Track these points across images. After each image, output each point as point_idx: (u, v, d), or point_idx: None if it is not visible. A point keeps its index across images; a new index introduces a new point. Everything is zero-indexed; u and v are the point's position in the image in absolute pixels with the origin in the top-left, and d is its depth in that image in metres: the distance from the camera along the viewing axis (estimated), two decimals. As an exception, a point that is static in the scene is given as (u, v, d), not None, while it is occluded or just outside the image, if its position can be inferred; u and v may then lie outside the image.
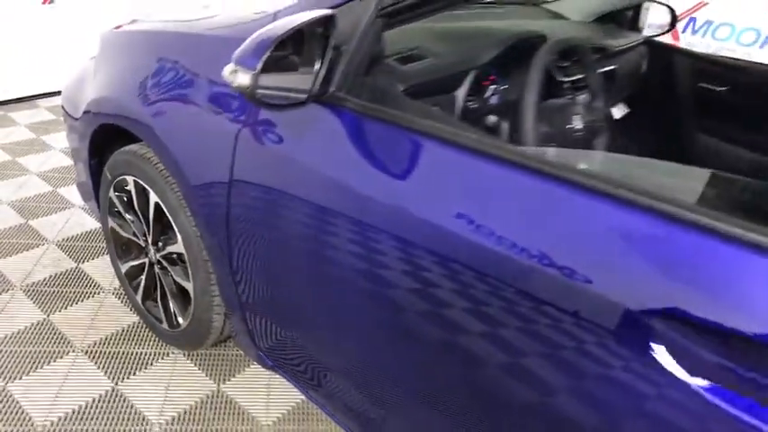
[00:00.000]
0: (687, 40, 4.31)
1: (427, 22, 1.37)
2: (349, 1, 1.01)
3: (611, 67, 1.70)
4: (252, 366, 1.65)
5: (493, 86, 1.35)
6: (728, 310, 0.63)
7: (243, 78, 0.86)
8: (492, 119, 1.27)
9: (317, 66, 0.95)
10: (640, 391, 0.68)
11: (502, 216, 0.81)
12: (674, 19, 2.15)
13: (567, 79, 1.38)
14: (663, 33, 2.17)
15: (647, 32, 2.16)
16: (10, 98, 3.25)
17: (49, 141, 2.88)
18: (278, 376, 1.57)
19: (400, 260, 0.90)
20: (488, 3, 1.98)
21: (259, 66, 0.85)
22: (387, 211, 0.93)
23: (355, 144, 1.00)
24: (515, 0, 2.11)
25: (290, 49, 0.97)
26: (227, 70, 0.89)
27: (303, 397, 1.51)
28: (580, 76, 1.37)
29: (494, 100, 1.34)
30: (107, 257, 1.99)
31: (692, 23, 4.26)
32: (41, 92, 3.37)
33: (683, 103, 1.97)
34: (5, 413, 1.41)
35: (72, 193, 2.38)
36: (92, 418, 1.43)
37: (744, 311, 0.63)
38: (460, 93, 1.20)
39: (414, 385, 1.00)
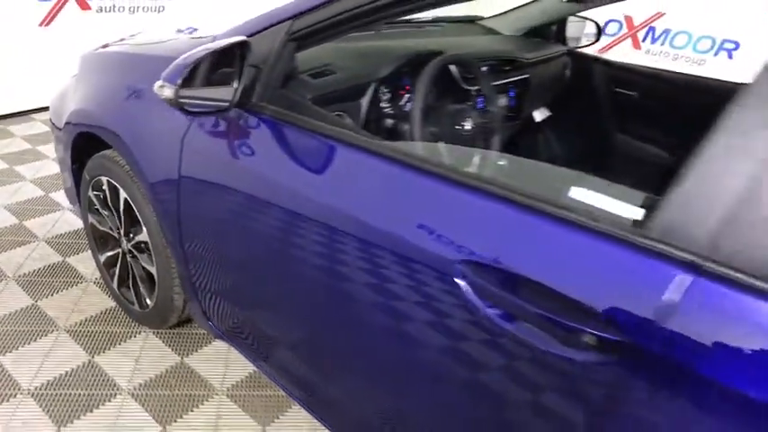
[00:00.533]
0: (647, 48, 4.56)
1: (348, 41, 1.62)
2: (265, 29, 1.25)
3: (525, 76, 1.94)
4: (213, 343, 1.88)
5: (407, 95, 1.60)
6: (511, 260, 0.86)
7: (168, 92, 1.11)
8: (390, 121, 1.51)
9: (235, 81, 1.20)
10: (456, 316, 0.91)
11: (372, 195, 1.04)
12: (599, 31, 2.40)
13: (471, 88, 1.62)
14: (590, 44, 2.41)
15: (584, 43, 2.41)
16: (8, 112, 3.52)
17: (43, 151, 3.14)
18: (236, 352, 1.79)
19: (321, 242, 1.12)
20: (426, 22, 2.23)
21: (179, 81, 1.09)
22: (301, 198, 1.16)
23: (273, 143, 1.24)
24: (454, 18, 2.36)
25: (220, 67, 1.22)
26: (156, 85, 1.13)
27: (254, 368, 1.72)
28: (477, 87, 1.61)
29: (407, 107, 1.58)
30: (90, 252, 2.22)
31: (651, 32, 4.51)
32: (37, 106, 3.64)
33: (602, 106, 2.20)
34: (-4, 380, 1.65)
35: (61, 198, 2.62)
36: (71, 384, 1.67)
37: (522, 260, 0.85)
38: (364, 101, 1.44)
39: (346, 354, 1.21)
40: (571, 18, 2.32)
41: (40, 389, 1.64)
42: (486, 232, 0.89)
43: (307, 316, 1.27)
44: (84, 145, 1.86)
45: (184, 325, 1.93)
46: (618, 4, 2.14)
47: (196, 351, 1.85)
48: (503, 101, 1.84)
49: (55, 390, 1.64)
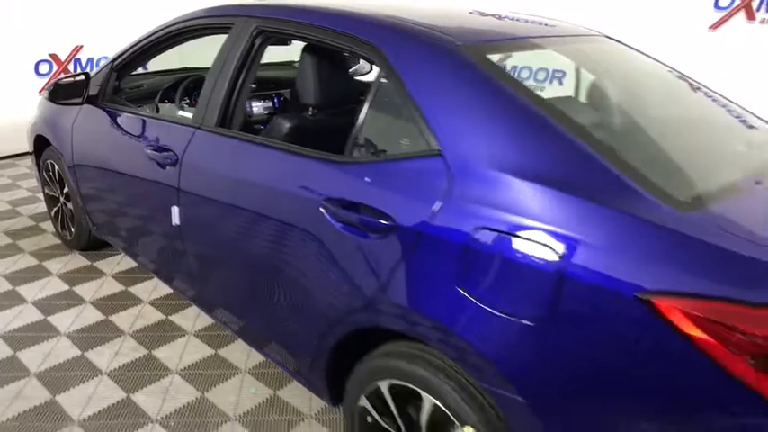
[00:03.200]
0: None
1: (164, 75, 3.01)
2: (104, 67, 2.64)
3: (285, 90, 3.24)
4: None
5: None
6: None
7: (45, 95, 2.49)
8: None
9: (84, 91, 2.57)
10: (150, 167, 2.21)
11: (142, 133, 2.37)
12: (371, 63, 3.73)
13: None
14: (367, 73, 3.74)
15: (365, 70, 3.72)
16: (20, 152, 5.03)
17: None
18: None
19: (135, 165, 2.39)
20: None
21: (49, 89, 2.47)
22: (120, 145, 2.49)
23: (110, 121, 2.58)
24: (280, 63, 3.73)
25: (83, 86, 2.60)
26: (42, 94, 2.51)
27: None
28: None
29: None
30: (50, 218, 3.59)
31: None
32: (40, 149, 5.15)
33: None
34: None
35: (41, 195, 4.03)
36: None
37: (165, 141, 2.16)
38: (156, 99, 2.79)
39: (157, 223, 2.48)
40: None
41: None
42: (157, 135, 2.21)
43: (139, 214, 2.57)
44: (40, 147, 3.26)
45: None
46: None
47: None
48: (268, 103, 3.16)
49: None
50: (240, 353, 2.43)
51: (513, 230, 1.22)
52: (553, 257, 1.15)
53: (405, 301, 1.39)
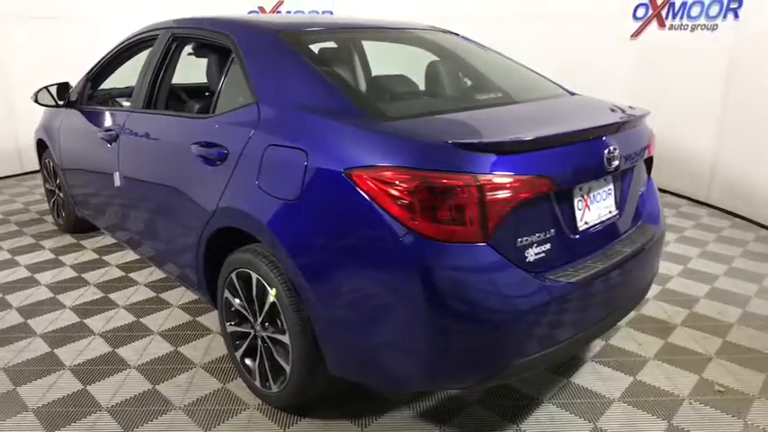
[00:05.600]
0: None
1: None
2: (82, 78, 3.38)
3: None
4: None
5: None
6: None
7: (32, 98, 3.23)
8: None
9: (65, 95, 3.31)
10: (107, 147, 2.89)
11: (103, 122, 3.07)
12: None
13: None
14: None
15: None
16: (39, 169, 5.90)
17: (52, 184, 5.42)
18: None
19: (100, 150, 3.10)
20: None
21: (35, 93, 3.22)
22: (90, 134, 3.20)
23: (82, 118, 3.30)
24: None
25: (66, 92, 3.35)
26: (31, 97, 3.26)
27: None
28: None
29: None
30: (51, 208, 4.32)
31: None
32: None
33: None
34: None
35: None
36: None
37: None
38: (119, 100, 3.51)
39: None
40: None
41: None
42: (109, 121, 2.90)
43: (98, 183, 3.25)
44: (41, 148, 4.03)
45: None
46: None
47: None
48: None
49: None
50: (176, 295, 3.04)
51: (284, 143, 1.81)
52: (303, 155, 1.73)
53: (234, 204, 1.99)
